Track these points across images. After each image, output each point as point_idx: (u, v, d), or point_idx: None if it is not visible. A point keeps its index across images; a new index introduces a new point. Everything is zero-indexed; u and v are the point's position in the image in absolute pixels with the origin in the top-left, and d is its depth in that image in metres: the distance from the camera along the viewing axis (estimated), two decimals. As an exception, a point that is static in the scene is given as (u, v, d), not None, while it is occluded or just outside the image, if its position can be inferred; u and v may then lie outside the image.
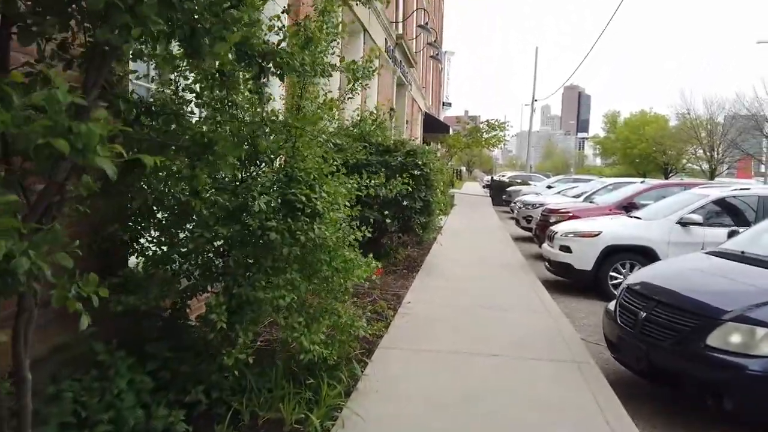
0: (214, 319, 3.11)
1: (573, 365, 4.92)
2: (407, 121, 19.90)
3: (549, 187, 24.97)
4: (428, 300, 7.12)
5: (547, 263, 9.93)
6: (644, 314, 4.63)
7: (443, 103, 50.10)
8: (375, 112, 9.25)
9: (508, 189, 26.83)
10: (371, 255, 7.65)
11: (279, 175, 3.60)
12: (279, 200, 3.49)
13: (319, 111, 4.06)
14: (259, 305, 3.34)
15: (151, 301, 3.36)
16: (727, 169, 56.42)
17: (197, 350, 3.55)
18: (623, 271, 8.80)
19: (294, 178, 3.57)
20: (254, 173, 3.80)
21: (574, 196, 16.45)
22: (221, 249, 3.55)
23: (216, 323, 3.11)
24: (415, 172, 8.06)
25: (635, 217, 9.66)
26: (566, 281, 9.55)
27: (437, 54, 27.99)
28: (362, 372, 4.27)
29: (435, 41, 23.39)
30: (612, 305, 5.39)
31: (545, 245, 10.05)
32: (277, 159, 3.91)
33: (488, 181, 47.64)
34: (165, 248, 3.70)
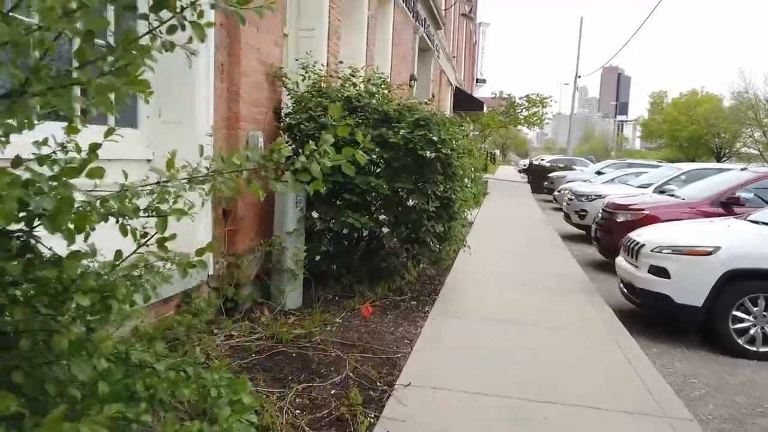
0: None
1: None
2: (433, 95, 16.71)
3: (599, 173, 21.54)
4: (444, 376, 4.08)
5: (623, 287, 6.80)
6: None
7: (477, 79, 46.19)
8: (376, 71, 6.22)
9: (550, 175, 23.45)
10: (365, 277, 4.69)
11: None
12: None
13: None
14: None
15: None
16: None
17: None
18: (754, 309, 5.63)
19: None
20: None
21: (640, 186, 13.10)
22: None
23: None
24: (428, 153, 5.01)
25: (764, 222, 6.42)
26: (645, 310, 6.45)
27: (470, 11, 24.20)
28: None
29: (467, -6, 19.96)
30: None
31: (622, 261, 6.90)
32: None
33: (525, 166, 44.09)
34: None
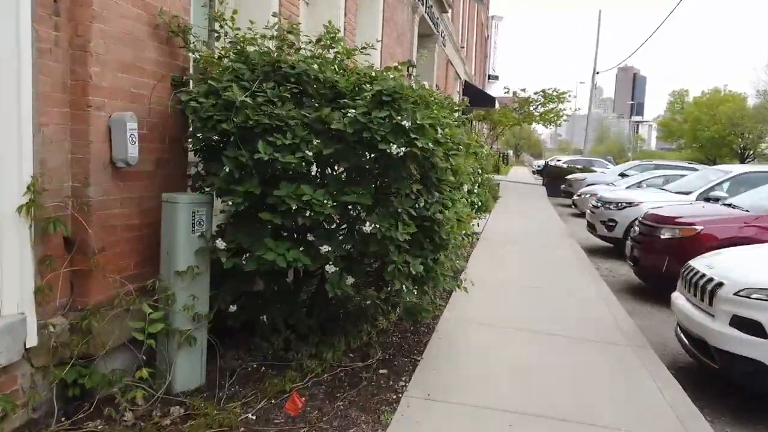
0: None
1: None
2: (437, 86, 14.74)
3: (622, 175, 19.44)
4: None
5: (685, 338, 4.81)
6: None
7: (489, 76, 43.92)
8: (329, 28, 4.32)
9: (568, 177, 21.36)
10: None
11: None
12: None
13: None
14: None
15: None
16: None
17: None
18: None
19: None
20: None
21: (678, 192, 11.03)
22: None
23: None
24: (394, 148, 3.07)
25: None
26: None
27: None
28: None
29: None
30: None
31: (683, 301, 4.90)
32: None
33: (539, 166, 41.90)
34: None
